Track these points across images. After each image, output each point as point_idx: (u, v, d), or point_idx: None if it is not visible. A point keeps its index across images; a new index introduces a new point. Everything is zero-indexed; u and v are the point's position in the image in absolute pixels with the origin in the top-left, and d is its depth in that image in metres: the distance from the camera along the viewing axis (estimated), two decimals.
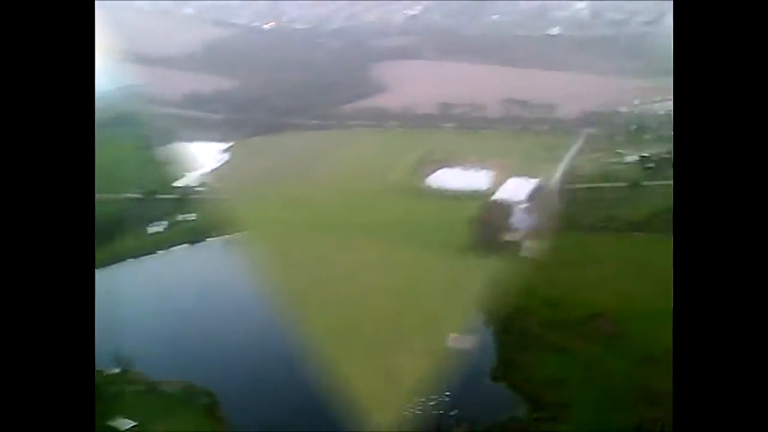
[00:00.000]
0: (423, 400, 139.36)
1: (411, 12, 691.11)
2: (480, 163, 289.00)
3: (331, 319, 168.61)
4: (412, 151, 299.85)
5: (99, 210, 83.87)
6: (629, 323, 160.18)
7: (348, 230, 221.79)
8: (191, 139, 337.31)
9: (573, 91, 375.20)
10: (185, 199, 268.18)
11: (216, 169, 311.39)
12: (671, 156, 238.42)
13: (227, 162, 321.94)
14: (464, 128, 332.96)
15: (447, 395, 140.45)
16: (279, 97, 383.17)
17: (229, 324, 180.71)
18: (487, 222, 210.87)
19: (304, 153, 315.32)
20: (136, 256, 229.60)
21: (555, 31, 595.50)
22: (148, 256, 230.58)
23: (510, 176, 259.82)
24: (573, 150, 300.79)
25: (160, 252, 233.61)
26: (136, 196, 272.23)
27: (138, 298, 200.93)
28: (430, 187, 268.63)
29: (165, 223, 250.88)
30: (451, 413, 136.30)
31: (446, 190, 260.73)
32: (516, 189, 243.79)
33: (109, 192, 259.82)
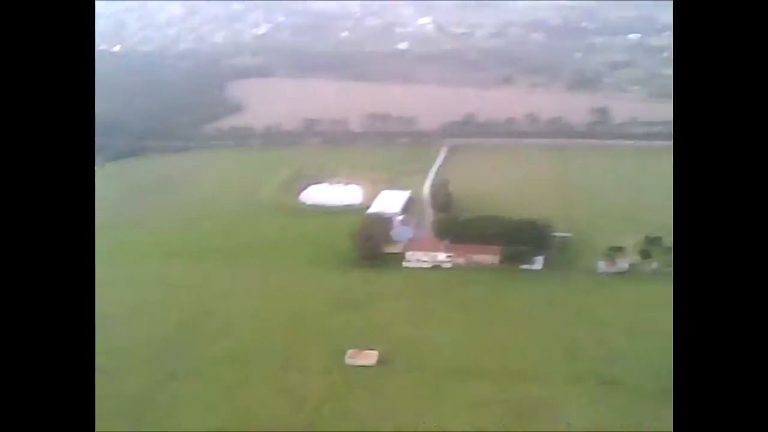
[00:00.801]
0: None
1: (259, 31, 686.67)
2: (350, 177, 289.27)
3: (225, 345, 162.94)
4: (279, 168, 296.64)
5: None
6: None
7: (225, 254, 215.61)
8: None
9: (431, 104, 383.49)
10: None
11: None
12: None
13: None
14: (329, 144, 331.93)
15: None
16: (136, 120, 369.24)
17: None
18: (367, 236, 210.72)
19: (168, 176, 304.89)
20: None
21: (403, 46, 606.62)
22: None
23: (381, 189, 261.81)
24: (438, 160, 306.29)
25: None
26: None
27: None
28: (303, 203, 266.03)
29: None
30: None
31: (320, 206, 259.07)
32: (389, 202, 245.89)
33: None
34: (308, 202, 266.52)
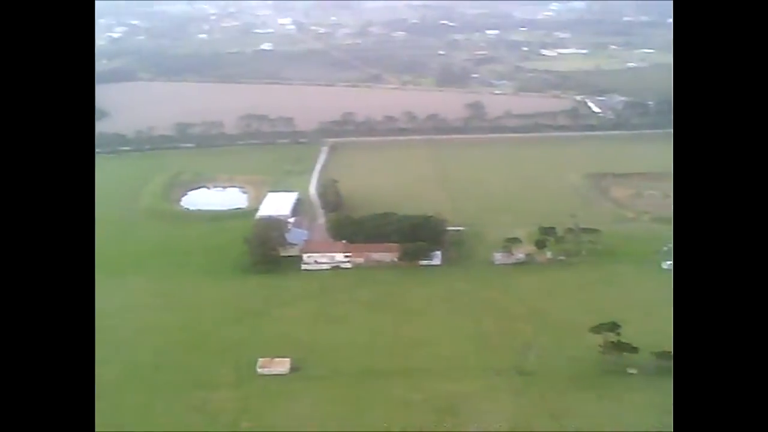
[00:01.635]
0: None
1: (113, 35, 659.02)
2: (232, 180, 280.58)
3: (123, 364, 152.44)
4: (156, 174, 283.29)
5: None
6: None
7: (109, 265, 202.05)
8: None
9: (306, 103, 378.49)
10: None
11: None
12: None
13: None
14: (204, 147, 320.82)
15: None
16: None
17: None
18: (261, 240, 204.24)
19: None
20: None
21: (267, 46, 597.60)
22: None
23: (265, 192, 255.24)
24: (321, 160, 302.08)
25: None
26: None
27: None
28: (186, 209, 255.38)
29: None
30: None
31: (204, 211, 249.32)
32: (277, 204, 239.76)
33: None
34: (191, 208, 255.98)
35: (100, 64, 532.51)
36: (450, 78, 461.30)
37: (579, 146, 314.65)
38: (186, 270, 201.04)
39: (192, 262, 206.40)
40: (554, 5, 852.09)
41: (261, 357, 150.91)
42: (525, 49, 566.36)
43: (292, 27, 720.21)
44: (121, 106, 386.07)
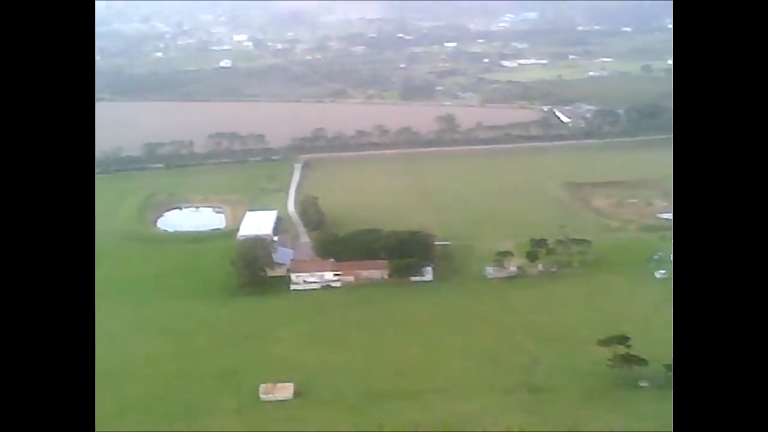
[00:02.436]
0: None
1: None
2: (207, 200, 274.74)
3: (116, 395, 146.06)
4: (127, 196, 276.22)
5: None
6: None
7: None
8: None
9: (273, 120, 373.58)
10: None
11: None
12: None
13: None
14: (174, 167, 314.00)
15: None
16: None
17: None
18: (248, 260, 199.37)
19: None
20: None
21: (226, 63, 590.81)
22: None
23: (242, 211, 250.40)
24: (295, 177, 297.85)
25: None
26: None
27: None
28: (162, 231, 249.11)
29: None
30: None
31: (182, 233, 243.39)
32: (258, 223, 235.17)
33: None
34: (168, 229, 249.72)
35: None
36: (414, 91, 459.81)
37: (553, 156, 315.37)
38: (170, 294, 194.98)
39: (176, 285, 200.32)
40: (507, 17, 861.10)
41: (262, 383, 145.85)
42: (486, 60, 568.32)
43: (249, 43, 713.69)
44: None
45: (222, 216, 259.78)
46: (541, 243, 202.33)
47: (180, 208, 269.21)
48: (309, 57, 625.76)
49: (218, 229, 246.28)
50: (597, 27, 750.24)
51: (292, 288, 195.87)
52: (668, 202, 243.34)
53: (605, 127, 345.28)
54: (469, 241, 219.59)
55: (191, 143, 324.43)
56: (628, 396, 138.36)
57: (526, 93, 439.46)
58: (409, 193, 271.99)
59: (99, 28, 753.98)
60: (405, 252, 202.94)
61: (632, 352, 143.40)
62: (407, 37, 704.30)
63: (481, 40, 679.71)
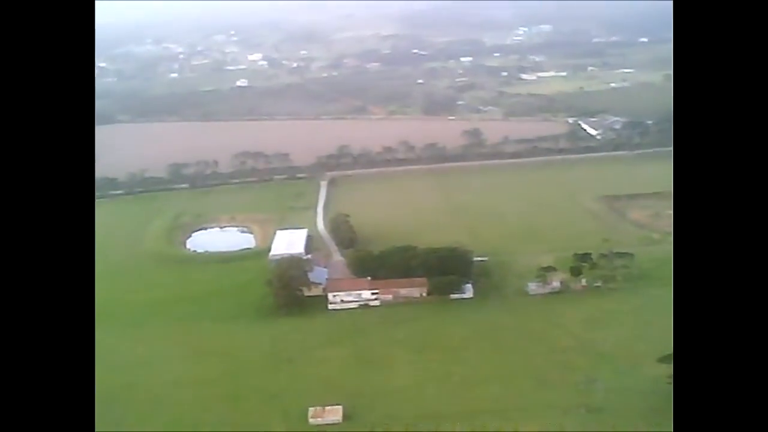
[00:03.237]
0: None
1: None
2: (234, 219, 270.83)
3: (161, 419, 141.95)
4: (154, 217, 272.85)
5: None
6: None
7: (128, 315, 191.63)
8: None
9: (297, 138, 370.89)
10: None
11: None
12: None
13: None
14: (200, 187, 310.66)
15: None
16: None
17: None
18: (283, 280, 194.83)
19: None
20: None
21: (243, 83, 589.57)
22: None
23: (271, 230, 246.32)
24: (322, 195, 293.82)
25: None
26: None
27: None
28: (192, 252, 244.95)
29: None
30: None
31: (212, 253, 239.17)
32: (289, 242, 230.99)
33: None
34: (198, 250, 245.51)
35: None
36: (436, 106, 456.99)
37: (583, 169, 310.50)
38: (207, 315, 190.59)
39: (211, 306, 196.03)
40: (521, 30, 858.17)
41: (310, 406, 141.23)
42: (504, 74, 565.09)
43: (264, 62, 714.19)
44: (105, 149, 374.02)
45: (251, 235, 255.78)
46: (584, 257, 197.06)
47: (208, 229, 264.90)
48: (325, 74, 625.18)
49: (248, 248, 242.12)
50: (613, 38, 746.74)
51: (330, 307, 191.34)
52: None
53: (635, 139, 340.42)
54: (507, 256, 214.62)
55: (215, 163, 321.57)
56: None
57: (548, 105, 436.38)
58: (441, 209, 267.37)
59: (113, 51, 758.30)
60: (443, 269, 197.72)
61: None
62: (422, 53, 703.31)
63: (497, 54, 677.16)
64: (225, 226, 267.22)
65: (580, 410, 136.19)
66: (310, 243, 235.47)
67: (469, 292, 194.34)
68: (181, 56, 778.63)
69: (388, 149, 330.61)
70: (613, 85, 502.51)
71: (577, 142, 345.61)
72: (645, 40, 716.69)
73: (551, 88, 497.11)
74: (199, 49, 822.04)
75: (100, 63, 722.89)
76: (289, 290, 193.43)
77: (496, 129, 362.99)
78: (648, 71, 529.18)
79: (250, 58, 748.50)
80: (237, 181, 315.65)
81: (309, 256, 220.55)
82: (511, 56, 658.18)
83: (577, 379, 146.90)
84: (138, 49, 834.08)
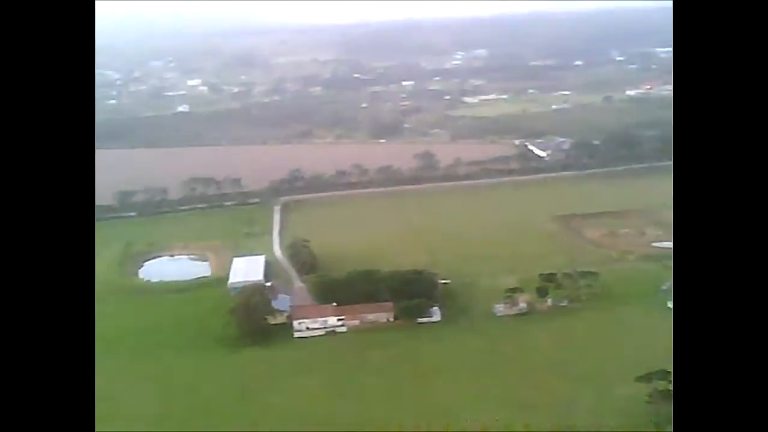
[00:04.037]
0: None
1: None
2: (188, 247, 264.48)
3: None
4: (104, 247, 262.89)
5: None
6: None
7: None
8: None
9: (245, 163, 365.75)
10: None
11: None
12: None
13: None
14: (150, 215, 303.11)
15: None
16: None
17: None
18: (246, 309, 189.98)
19: None
20: None
21: (184, 108, 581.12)
22: None
23: (226, 257, 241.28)
24: (276, 220, 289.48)
25: None
26: None
27: None
28: (146, 281, 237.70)
29: None
30: None
31: (167, 283, 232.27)
32: (247, 269, 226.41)
33: None
34: (152, 279, 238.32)
35: None
36: (382, 129, 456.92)
37: (536, 189, 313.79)
38: (167, 347, 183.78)
39: (171, 338, 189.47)
40: (458, 54, 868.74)
41: None
42: (447, 97, 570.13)
43: (204, 88, 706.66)
44: None
45: (207, 263, 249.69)
46: (550, 277, 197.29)
47: (161, 257, 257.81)
48: (267, 99, 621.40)
49: (204, 276, 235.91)
50: (549, 62, 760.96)
51: (296, 335, 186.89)
52: (661, 231, 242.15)
53: (583, 159, 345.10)
54: (470, 278, 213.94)
55: (164, 190, 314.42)
56: None
57: (494, 128, 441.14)
58: (399, 231, 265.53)
59: None
60: (409, 293, 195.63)
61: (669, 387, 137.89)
62: (363, 77, 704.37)
63: (437, 78, 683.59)
64: (178, 255, 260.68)
65: None
66: (270, 270, 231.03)
67: (436, 315, 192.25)
68: (119, 82, 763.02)
69: (341, 173, 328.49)
70: (554, 107, 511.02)
71: (527, 162, 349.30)
72: (580, 63, 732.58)
73: (494, 110, 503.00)
74: (136, 75, 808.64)
75: None
76: (252, 319, 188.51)
77: (445, 151, 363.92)
78: (586, 93, 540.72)
79: (190, 83, 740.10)
80: (188, 207, 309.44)
81: (269, 283, 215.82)
82: (452, 80, 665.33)
83: (555, 400, 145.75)
84: None
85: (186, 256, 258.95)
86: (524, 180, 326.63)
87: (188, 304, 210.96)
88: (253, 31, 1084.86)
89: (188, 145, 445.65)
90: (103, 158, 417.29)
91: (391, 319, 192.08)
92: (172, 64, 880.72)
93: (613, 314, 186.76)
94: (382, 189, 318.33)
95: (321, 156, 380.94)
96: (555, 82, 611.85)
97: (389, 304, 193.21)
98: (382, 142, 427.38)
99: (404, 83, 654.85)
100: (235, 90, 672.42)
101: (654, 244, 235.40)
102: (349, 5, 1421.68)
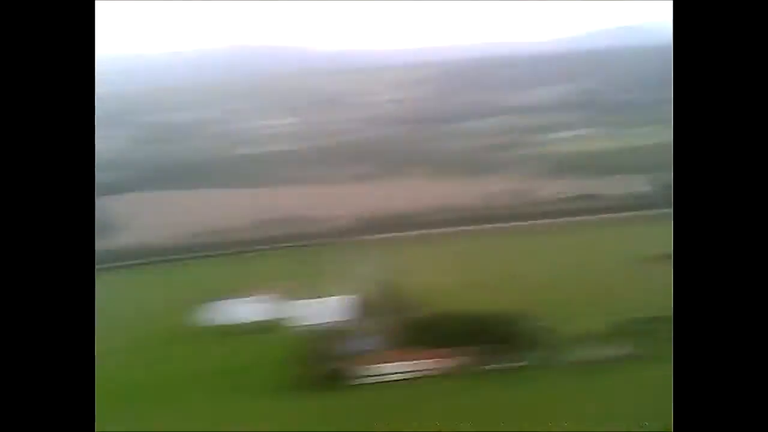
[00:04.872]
0: None
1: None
2: (264, 288, 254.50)
3: None
4: (178, 288, 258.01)
5: None
6: None
7: (158, 392, 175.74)
8: None
9: (326, 203, 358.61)
10: None
11: None
12: None
13: None
14: (227, 255, 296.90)
15: None
16: None
17: None
18: (323, 352, 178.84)
19: None
20: None
21: (264, 148, 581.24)
22: None
23: (305, 297, 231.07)
24: (358, 260, 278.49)
25: None
26: None
27: None
28: (220, 323, 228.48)
29: None
30: None
31: (242, 324, 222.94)
32: (325, 310, 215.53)
33: None
34: (226, 321, 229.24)
35: (99, 175, 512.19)
36: (473, 166, 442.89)
37: (631, 227, 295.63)
38: (248, 390, 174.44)
39: (250, 380, 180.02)
40: (540, 89, 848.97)
41: None
42: (538, 133, 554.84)
43: (287, 126, 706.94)
44: (123, 218, 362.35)
45: (284, 304, 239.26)
46: (652, 321, 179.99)
47: (235, 299, 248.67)
48: (343, 139, 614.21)
49: (281, 318, 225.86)
50: (636, 95, 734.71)
51: (370, 381, 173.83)
52: None
53: None
54: (559, 321, 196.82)
55: (242, 230, 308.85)
56: None
57: (585, 164, 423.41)
58: (483, 272, 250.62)
59: (133, 117, 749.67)
60: (495, 336, 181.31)
61: None
62: (442, 114, 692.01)
63: (522, 114, 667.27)
64: (255, 295, 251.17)
65: None
66: (349, 311, 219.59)
67: (524, 360, 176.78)
68: (201, 122, 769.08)
69: (428, 211, 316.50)
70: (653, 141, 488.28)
71: (621, 200, 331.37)
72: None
73: (590, 145, 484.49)
74: (218, 114, 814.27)
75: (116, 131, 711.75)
76: (329, 362, 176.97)
77: (539, 188, 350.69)
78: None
79: (272, 123, 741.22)
80: (266, 247, 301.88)
81: (347, 325, 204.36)
82: (534, 115, 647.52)
83: None
84: (153, 118, 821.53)
85: (262, 297, 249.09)
86: (618, 217, 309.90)
87: (264, 346, 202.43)
88: (338, 69, 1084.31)
89: (270, 184, 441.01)
90: (181, 199, 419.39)
91: (474, 364, 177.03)
92: (254, 104, 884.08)
93: None
94: (470, 227, 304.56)
95: (406, 194, 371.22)
96: (646, 116, 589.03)
97: (470, 348, 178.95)
98: (474, 180, 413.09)
99: (487, 119, 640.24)
100: (316, 129, 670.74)
101: None
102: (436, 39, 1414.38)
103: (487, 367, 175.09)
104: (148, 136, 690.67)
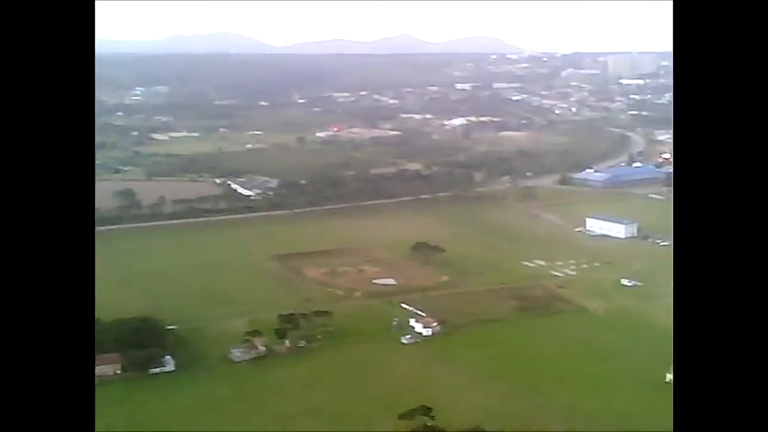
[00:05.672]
0: None
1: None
2: None
3: None
4: None
5: None
6: None
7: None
8: None
9: None
10: None
11: None
12: None
13: None
14: None
15: None
16: None
17: None
18: None
19: None
20: None
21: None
22: None
23: None
24: None
25: None
26: None
27: None
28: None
29: None
30: None
31: None
32: None
33: None
34: None
35: None
36: None
37: (248, 229, 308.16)
38: None
39: None
40: (137, 90, 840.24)
41: None
42: (135, 133, 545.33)
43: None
44: None
45: None
46: (288, 318, 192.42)
47: None
48: None
49: None
50: (233, 101, 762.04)
51: None
52: (378, 268, 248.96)
53: (291, 198, 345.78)
54: (198, 323, 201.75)
55: None
56: None
57: (191, 166, 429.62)
58: (110, 276, 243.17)
59: None
60: (137, 342, 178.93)
61: (433, 423, 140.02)
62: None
63: (120, 113, 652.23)
64: None
65: None
66: None
67: (169, 364, 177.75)
68: None
69: None
70: (249, 146, 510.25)
71: (234, 202, 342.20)
72: (265, 104, 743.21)
73: (188, 148, 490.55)
74: None
75: None
76: None
77: (144, 190, 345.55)
78: (278, 133, 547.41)
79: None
80: None
81: None
82: (136, 116, 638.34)
83: None
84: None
85: None
86: (234, 219, 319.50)
87: None
88: None
89: None
90: None
91: (119, 372, 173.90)
92: None
93: (354, 352, 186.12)
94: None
95: None
96: (245, 122, 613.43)
97: (116, 355, 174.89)
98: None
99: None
100: None
101: (375, 281, 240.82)
102: None
103: (139, 374, 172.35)
104: None
